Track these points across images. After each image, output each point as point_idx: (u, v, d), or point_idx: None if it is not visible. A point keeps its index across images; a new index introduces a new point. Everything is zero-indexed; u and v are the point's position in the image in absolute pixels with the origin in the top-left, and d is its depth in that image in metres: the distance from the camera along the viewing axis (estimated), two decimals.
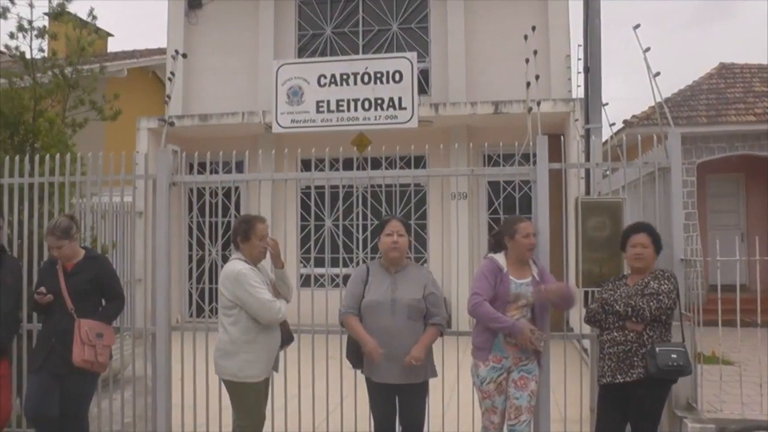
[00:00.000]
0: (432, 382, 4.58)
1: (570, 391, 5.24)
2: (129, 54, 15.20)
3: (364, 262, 4.80)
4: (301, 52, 12.81)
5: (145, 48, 16.10)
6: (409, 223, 4.66)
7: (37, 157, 5.79)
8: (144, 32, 49.51)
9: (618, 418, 4.48)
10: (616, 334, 4.40)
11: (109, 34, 16.27)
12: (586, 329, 5.17)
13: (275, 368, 4.72)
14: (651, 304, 4.31)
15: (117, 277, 5.19)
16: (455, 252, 11.10)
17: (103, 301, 5.08)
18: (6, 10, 6.83)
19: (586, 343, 6.63)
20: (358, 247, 7.61)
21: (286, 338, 4.74)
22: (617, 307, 4.37)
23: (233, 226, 4.66)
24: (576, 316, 7.26)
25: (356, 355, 4.46)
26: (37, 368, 4.89)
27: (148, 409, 5.58)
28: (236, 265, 4.46)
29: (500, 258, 4.55)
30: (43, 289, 4.86)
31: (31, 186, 5.76)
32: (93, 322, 4.83)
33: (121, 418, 5.61)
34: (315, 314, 5.34)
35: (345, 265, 10.77)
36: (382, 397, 4.44)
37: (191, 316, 11.22)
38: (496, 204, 11.98)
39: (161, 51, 15.41)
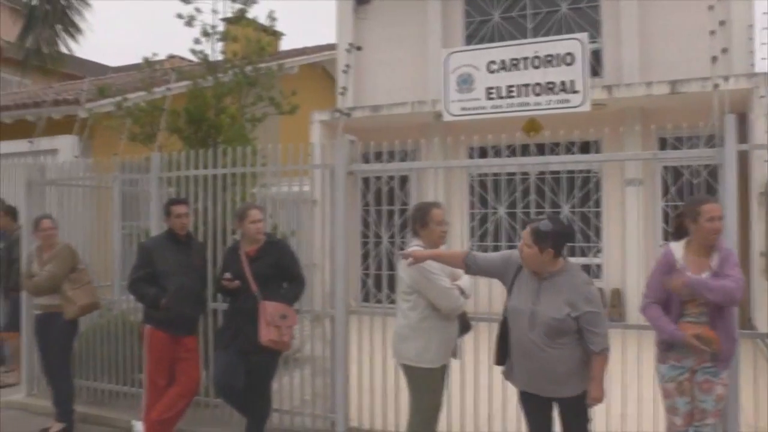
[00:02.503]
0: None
1: (762, 398, 4.77)
2: (299, 51, 15.76)
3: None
4: (469, 39, 12.65)
5: (315, 45, 16.66)
6: (547, 232, 3.77)
7: (219, 150, 6.16)
8: (311, 29, 51.62)
9: None
10: None
11: (282, 34, 16.98)
12: None
13: (455, 355, 4.70)
14: None
15: (297, 260, 5.44)
16: (630, 242, 10.68)
17: (285, 284, 5.34)
18: (192, 18, 7.29)
19: None
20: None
21: (464, 327, 4.70)
22: None
23: (410, 214, 4.69)
24: (760, 313, 6.67)
25: (503, 349, 4.05)
26: (225, 345, 5.24)
27: (327, 388, 5.77)
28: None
29: (678, 249, 4.13)
30: (228, 274, 5.16)
31: (214, 177, 6.13)
32: (276, 303, 5.10)
33: (300, 395, 5.86)
34: (492, 303, 5.24)
35: None
36: (532, 408, 4.05)
37: (364, 300, 11.51)
38: (672, 191, 11.27)
39: (330, 47, 15.87)
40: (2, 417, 6.89)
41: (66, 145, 9.08)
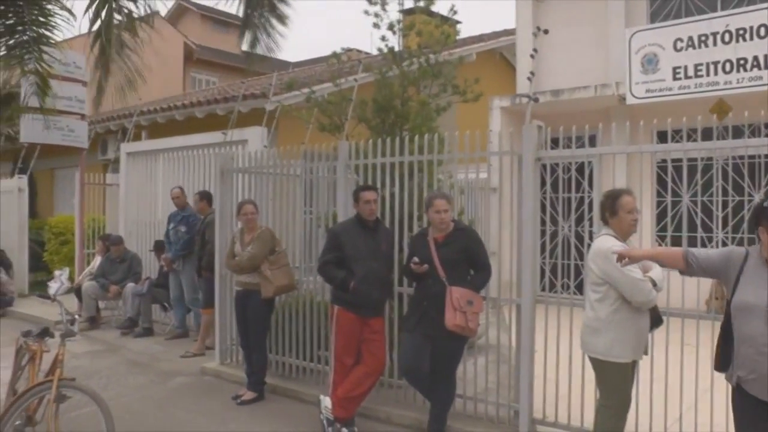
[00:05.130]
0: None
1: None
2: (477, 38, 15.73)
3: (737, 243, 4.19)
4: (654, 17, 11.86)
5: (492, 31, 16.56)
6: None
7: (406, 138, 6.28)
8: (487, 14, 51.42)
9: None
10: None
11: (458, 22, 17.08)
12: None
13: (646, 351, 4.52)
14: None
15: (485, 247, 5.43)
16: None
17: (471, 272, 5.37)
18: (378, 16, 7.48)
19: None
20: (717, 226, 6.95)
21: (655, 320, 4.49)
22: None
23: (600, 201, 4.54)
24: None
25: (725, 354, 3.59)
26: (411, 328, 5.35)
27: (510, 377, 5.74)
28: (607, 241, 4.32)
29: None
30: (416, 258, 5.26)
31: (400, 164, 6.26)
32: (463, 289, 5.12)
33: (484, 382, 5.85)
34: (685, 298, 4.97)
35: (703, 245, 10.00)
36: (751, 414, 3.50)
37: (543, 290, 11.25)
38: None
39: (507, 32, 15.70)
40: (199, 382, 7.54)
41: (255, 135, 9.60)
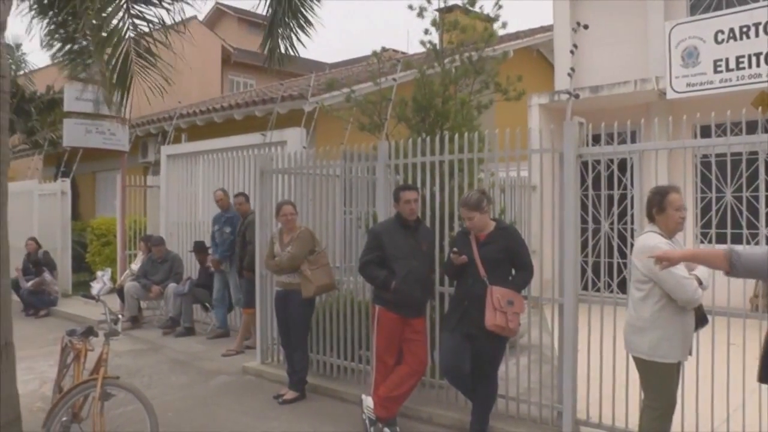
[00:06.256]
0: None
1: None
2: (514, 35, 15.60)
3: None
4: (693, 9, 11.66)
5: (528, 28, 16.43)
6: None
7: (446, 137, 6.25)
8: (523, 10, 51.00)
9: None
10: None
11: (496, 19, 16.99)
12: None
13: (691, 351, 4.44)
14: None
15: (526, 247, 5.37)
16: None
17: (513, 271, 5.32)
18: (423, 9, 7.46)
19: None
20: (762, 223, 6.76)
21: (700, 320, 4.38)
22: None
23: (647, 198, 4.46)
24: None
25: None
26: (451, 328, 5.32)
27: (552, 378, 5.68)
28: (652, 238, 4.23)
29: None
30: (455, 249, 5.24)
31: (441, 163, 6.24)
32: (504, 289, 5.07)
33: (526, 382, 5.81)
34: (730, 296, 4.86)
35: (747, 242, 9.79)
36: None
37: (584, 289, 11.15)
38: None
39: (543, 29, 15.56)
40: (241, 381, 7.61)
41: (294, 136, 9.63)
